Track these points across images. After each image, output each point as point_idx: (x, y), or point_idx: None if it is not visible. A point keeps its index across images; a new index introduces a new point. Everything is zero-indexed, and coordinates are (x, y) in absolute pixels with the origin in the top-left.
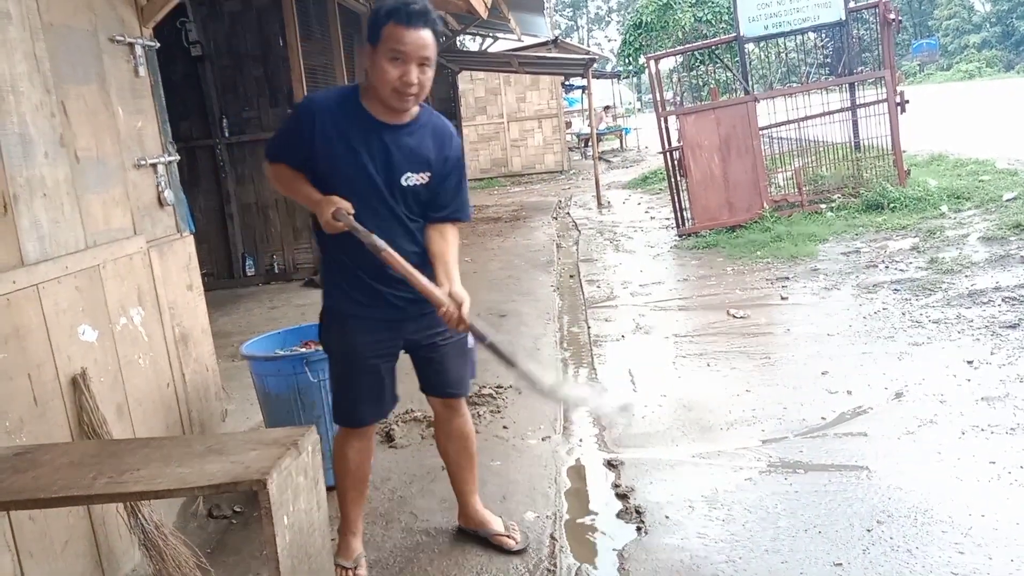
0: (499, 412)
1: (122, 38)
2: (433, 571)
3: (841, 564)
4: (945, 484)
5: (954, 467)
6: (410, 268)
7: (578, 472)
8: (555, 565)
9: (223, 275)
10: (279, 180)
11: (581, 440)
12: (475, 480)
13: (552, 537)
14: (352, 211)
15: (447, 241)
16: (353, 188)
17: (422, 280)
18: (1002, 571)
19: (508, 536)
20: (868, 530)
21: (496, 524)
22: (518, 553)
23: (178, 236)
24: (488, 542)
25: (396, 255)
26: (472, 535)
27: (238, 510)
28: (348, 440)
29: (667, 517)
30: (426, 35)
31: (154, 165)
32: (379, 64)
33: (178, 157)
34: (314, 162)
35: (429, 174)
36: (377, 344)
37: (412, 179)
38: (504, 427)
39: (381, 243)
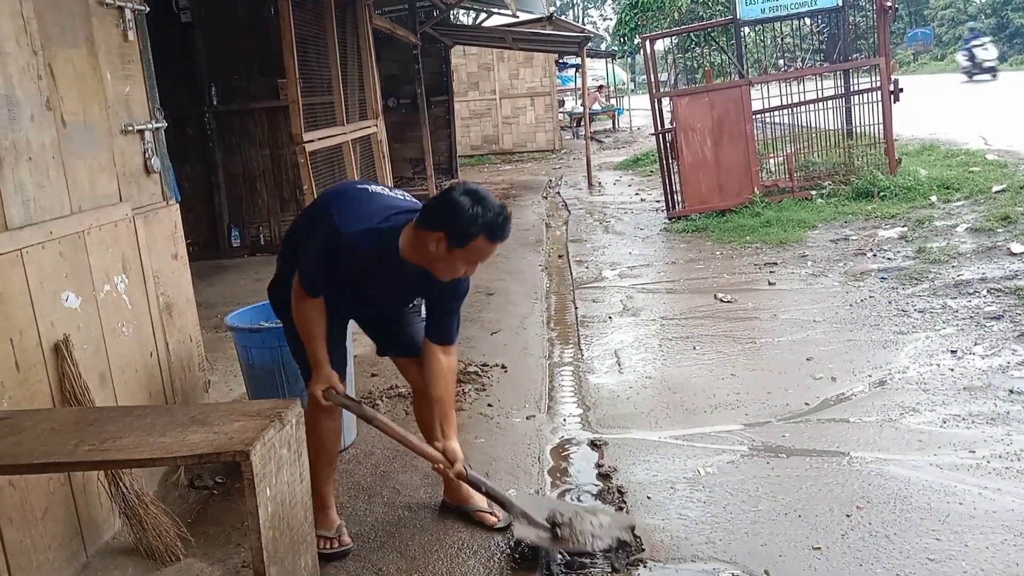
0: (484, 390)
1: (111, 1)
2: (414, 546)
3: (820, 548)
4: (925, 472)
5: (934, 455)
6: (403, 435)
7: (561, 451)
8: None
9: (208, 246)
10: (310, 316)
11: (565, 420)
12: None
13: None
14: (341, 390)
15: (447, 382)
16: (358, 304)
17: (420, 446)
18: (977, 558)
19: (490, 513)
20: (847, 515)
21: (479, 500)
22: (500, 530)
23: (164, 204)
24: (471, 518)
25: (388, 423)
26: (455, 511)
27: (220, 481)
28: (320, 421)
29: (649, 498)
30: None
31: (141, 131)
32: (453, 263)
33: (165, 124)
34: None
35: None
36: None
37: (413, 303)
38: (489, 405)
39: (371, 413)
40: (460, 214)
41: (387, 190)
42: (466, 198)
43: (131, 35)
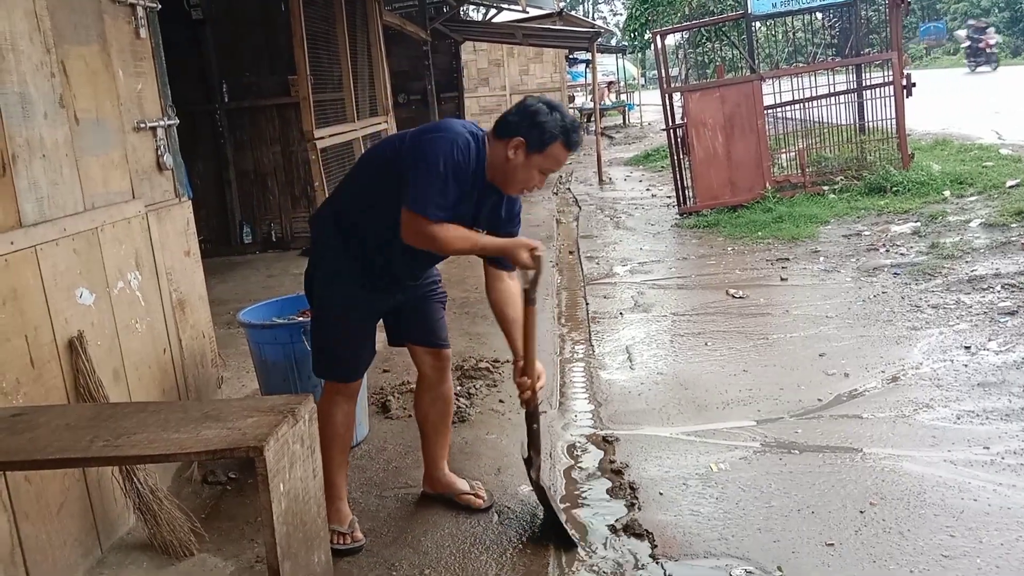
0: (495, 386)
1: None
2: (427, 541)
3: (833, 544)
4: (939, 468)
5: (948, 451)
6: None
7: (573, 447)
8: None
9: (220, 242)
10: (456, 238)
11: (577, 416)
12: (448, 444)
13: None
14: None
15: (518, 304)
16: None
17: (534, 348)
18: (992, 555)
19: (475, 495)
20: (861, 512)
21: (463, 484)
22: (486, 511)
23: (176, 201)
24: (456, 503)
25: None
26: (438, 499)
27: (233, 476)
28: (338, 403)
29: (661, 494)
30: None
31: (153, 128)
32: (530, 170)
33: (177, 121)
34: None
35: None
36: (376, 303)
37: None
38: (500, 400)
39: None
40: (539, 118)
41: None
42: (543, 105)
43: (143, 32)
